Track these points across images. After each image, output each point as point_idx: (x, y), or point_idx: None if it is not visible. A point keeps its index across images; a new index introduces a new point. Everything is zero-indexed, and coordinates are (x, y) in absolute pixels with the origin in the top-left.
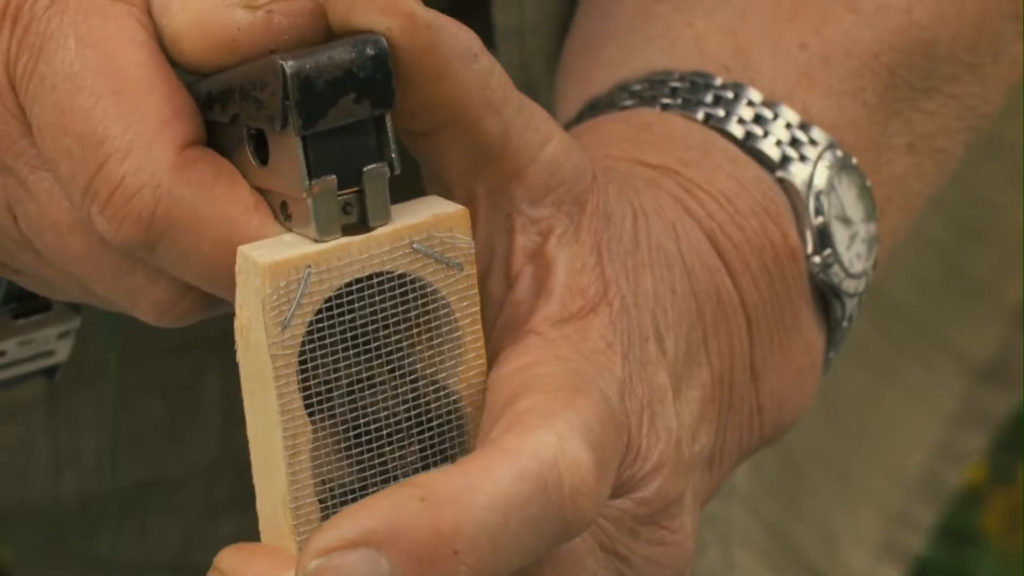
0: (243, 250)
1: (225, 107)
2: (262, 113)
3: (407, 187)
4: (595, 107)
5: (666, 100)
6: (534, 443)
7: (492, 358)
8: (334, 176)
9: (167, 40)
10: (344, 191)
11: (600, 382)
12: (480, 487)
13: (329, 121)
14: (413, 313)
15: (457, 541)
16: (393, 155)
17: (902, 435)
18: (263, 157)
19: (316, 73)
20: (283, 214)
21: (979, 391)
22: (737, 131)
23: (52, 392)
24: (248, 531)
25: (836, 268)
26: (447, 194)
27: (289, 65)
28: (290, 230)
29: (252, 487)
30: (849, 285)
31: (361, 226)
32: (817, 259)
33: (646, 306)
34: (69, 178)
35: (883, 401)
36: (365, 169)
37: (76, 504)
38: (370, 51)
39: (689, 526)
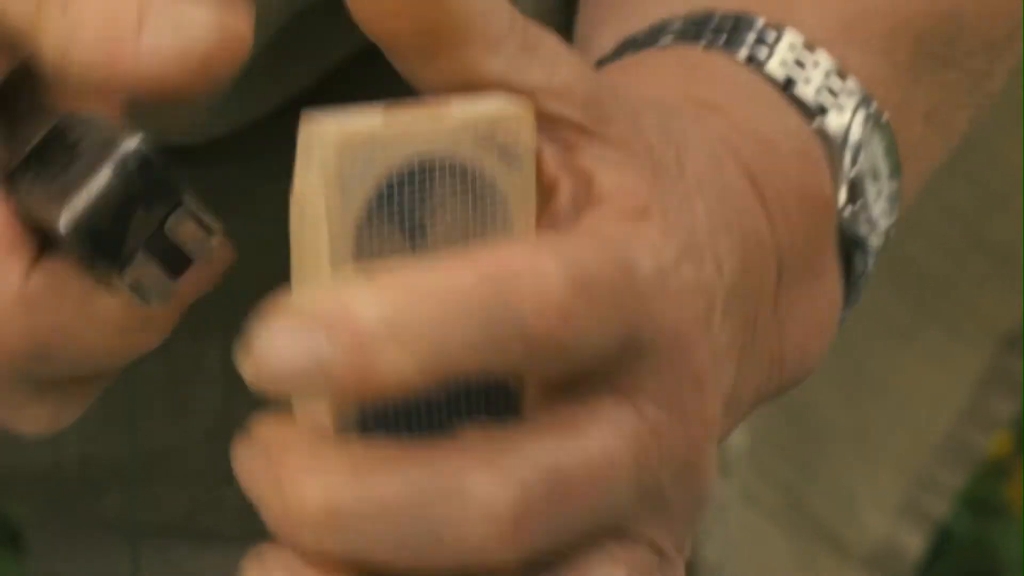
0: (308, 117)
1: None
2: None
3: None
4: (633, 45)
5: (708, 39)
6: (506, 252)
7: None
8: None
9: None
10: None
11: (629, 248)
12: (434, 277)
13: (131, 245)
14: (468, 203)
15: (396, 320)
16: (206, 221)
17: (925, 398)
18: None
19: (93, 217)
20: None
21: (1007, 356)
22: (779, 73)
23: None
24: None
25: (864, 221)
26: None
27: (63, 223)
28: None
29: None
30: (874, 240)
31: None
32: (848, 211)
33: (701, 231)
34: None
35: (906, 364)
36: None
37: (78, 468)
38: (132, 165)
39: (714, 456)
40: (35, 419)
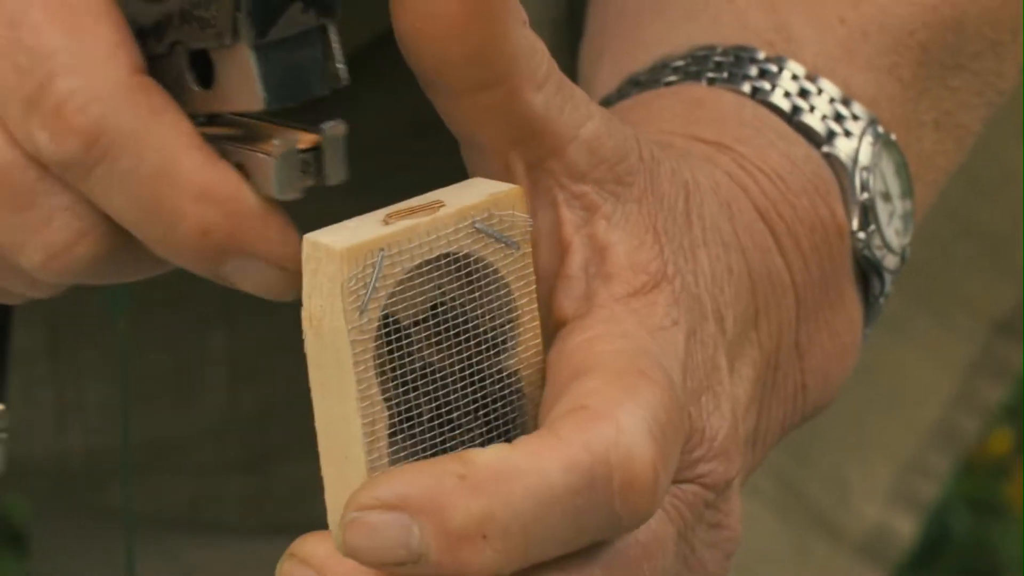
0: (311, 237)
1: (162, 37)
2: (208, 32)
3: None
4: (636, 83)
5: (711, 75)
6: (589, 434)
7: (551, 332)
8: (297, 135)
9: None
10: (304, 149)
11: (666, 362)
12: (524, 473)
13: (279, 30)
14: (475, 294)
15: (488, 526)
16: (339, 65)
17: (916, 385)
18: (206, 81)
19: None
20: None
21: (996, 342)
22: (784, 104)
23: (54, 341)
24: (257, 490)
25: (879, 244)
26: (483, 162)
27: None
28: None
29: (260, 447)
30: (890, 261)
31: (320, 185)
32: (862, 235)
33: (704, 285)
34: (12, 92)
35: (896, 351)
36: (324, 127)
37: (83, 458)
38: None
39: (737, 508)
40: (43, 247)
